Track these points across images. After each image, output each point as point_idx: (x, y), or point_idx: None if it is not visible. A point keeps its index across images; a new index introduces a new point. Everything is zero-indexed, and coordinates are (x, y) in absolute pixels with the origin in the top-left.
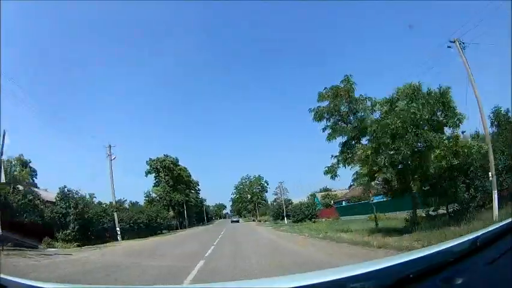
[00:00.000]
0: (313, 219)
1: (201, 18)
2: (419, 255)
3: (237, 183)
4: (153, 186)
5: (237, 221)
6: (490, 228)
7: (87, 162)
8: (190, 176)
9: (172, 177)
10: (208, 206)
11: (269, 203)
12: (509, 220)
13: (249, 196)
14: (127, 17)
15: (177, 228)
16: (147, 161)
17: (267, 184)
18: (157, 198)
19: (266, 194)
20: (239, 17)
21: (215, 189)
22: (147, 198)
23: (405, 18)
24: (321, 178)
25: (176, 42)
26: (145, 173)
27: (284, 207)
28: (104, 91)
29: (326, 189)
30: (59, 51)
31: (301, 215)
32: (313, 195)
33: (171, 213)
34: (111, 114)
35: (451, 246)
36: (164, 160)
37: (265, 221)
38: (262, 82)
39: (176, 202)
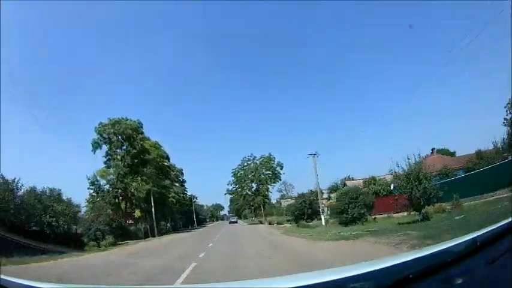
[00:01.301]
0: (423, 212)
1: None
2: (419, 255)
3: (236, 167)
4: (104, 167)
5: (235, 222)
6: (490, 228)
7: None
8: (167, 157)
9: (133, 154)
10: (202, 205)
11: (273, 201)
12: (509, 220)
13: (253, 186)
14: (127, 17)
15: (146, 236)
16: (95, 127)
17: (281, 168)
18: (107, 186)
19: (274, 187)
20: (238, 16)
21: (214, 190)
22: (92, 188)
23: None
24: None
25: (176, 42)
26: (92, 146)
27: (320, 198)
28: (99, 94)
29: (349, 178)
30: (58, 50)
31: (360, 207)
32: (342, 184)
33: (138, 212)
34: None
35: (451, 246)
36: (118, 123)
37: (278, 223)
38: (264, 84)
39: (140, 195)
